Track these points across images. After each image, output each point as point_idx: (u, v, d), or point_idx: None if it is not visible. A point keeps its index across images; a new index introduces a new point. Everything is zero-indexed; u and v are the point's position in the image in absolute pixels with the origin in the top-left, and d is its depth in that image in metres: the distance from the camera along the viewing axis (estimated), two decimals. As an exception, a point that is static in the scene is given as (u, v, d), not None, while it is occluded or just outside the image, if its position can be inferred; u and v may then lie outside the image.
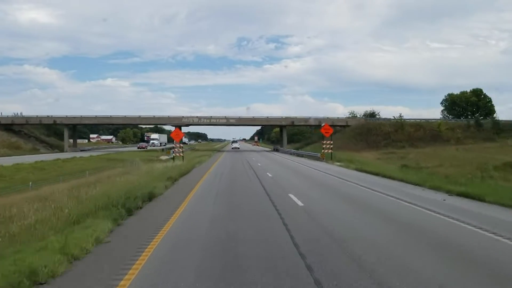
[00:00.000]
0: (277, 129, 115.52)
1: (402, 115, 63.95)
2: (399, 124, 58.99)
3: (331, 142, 38.80)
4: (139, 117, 68.71)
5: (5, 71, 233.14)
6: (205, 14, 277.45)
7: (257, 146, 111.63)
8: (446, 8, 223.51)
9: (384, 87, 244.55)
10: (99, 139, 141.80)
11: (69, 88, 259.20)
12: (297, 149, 58.07)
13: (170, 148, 34.50)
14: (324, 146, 38.54)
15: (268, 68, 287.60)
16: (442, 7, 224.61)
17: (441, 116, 79.74)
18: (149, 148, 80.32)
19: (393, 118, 62.78)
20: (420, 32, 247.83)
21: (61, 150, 64.33)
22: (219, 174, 21.42)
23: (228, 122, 67.69)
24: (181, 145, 35.50)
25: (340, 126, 63.76)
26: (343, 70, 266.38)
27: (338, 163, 32.01)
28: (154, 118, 69.06)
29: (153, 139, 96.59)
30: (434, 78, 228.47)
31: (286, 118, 66.73)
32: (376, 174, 21.49)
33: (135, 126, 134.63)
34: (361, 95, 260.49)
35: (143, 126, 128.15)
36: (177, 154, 33.80)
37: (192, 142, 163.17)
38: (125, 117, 68.14)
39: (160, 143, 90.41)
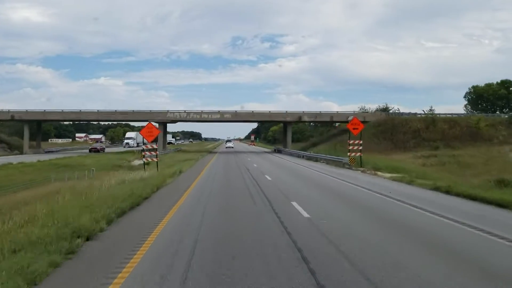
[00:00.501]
0: (275, 128, 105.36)
1: (433, 108, 53.38)
2: (430, 120, 48.34)
3: (361, 142, 28.64)
4: (115, 112, 57.12)
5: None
6: (199, 13, 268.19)
7: (253, 146, 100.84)
8: (441, 7, 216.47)
9: (379, 86, 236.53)
10: (87, 138, 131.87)
11: (62, 87, 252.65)
12: (306, 150, 47.87)
13: (152, 150, 24.29)
14: (351, 148, 28.29)
15: (263, 67, 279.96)
16: (436, 7, 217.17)
17: (465, 111, 70.08)
18: (125, 149, 68.28)
19: (423, 112, 52.06)
20: (414, 32, 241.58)
21: (22, 151, 53.86)
22: (201, 211, 10.85)
23: (223, 117, 56.95)
24: (155, 146, 25.17)
25: (356, 122, 53.24)
26: (338, 69, 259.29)
27: (382, 174, 21.71)
28: (133, 113, 57.46)
29: (127, 138, 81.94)
30: (429, 77, 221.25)
31: (292, 113, 55.92)
32: (502, 206, 11.23)
33: (127, 124, 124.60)
34: (356, 94, 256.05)
35: (135, 125, 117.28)
36: (149, 159, 24.04)
37: (182, 141, 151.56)
38: (97, 112, 56.87)
39: (138, 143, 75.70)
